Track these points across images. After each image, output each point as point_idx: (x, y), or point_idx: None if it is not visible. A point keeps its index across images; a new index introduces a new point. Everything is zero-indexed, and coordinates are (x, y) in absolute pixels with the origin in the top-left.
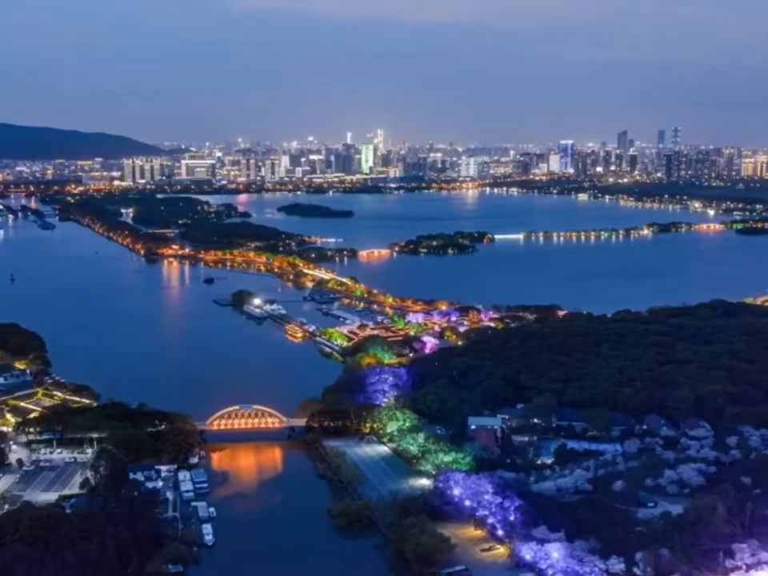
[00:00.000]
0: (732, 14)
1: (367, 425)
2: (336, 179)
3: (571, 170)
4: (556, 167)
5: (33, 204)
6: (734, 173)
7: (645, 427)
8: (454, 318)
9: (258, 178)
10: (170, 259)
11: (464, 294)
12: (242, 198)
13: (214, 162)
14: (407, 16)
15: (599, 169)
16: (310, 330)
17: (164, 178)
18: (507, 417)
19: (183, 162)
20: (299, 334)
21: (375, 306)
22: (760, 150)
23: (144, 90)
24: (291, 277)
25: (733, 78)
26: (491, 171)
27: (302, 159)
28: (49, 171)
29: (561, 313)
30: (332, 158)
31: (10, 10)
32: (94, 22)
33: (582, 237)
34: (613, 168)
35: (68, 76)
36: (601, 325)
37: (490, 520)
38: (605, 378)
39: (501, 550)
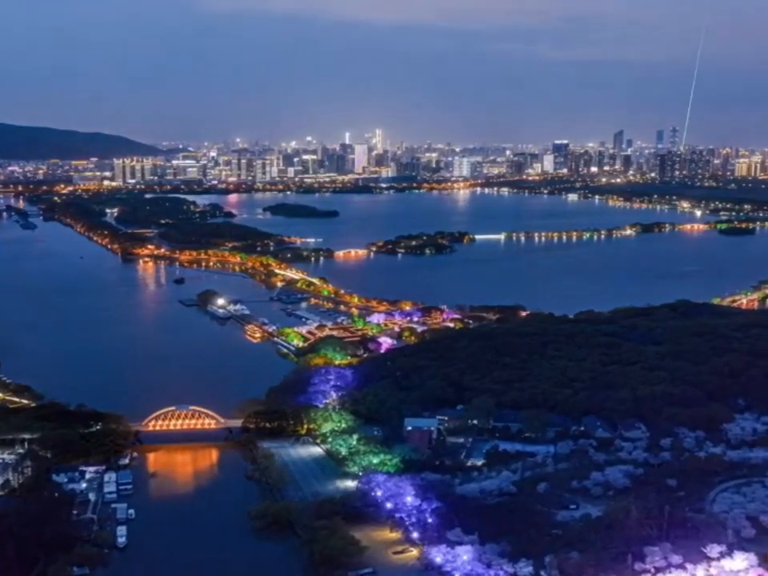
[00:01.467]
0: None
1: (304, 426)
2: (328, 179)
3: (565, 170)
4: (550, 167)
5: (21, 204)
6: (728, 173)
7: (582, 428)
8: (416, 319)
9: (250, 178)
10: (146, 259)
11: (433, 294)
12: (233, 197)
13: (205, 162)
14: (409, 16)
15: (593, 169)
16: (270, 330)
17: (155, 178)
18: (446, 418)
19: (174, 162)
20: (258, 335)
21: (342, 307)
22: (758, 150)
23: (144, 91)
24: (263, 277)
25: (734, 77)
26: (484, 171)
27: (295, 159)
28: (41, 171)
29: (524, 313)
30: (325, 158)
31: (8, 9)
32: (93, 21)
33: (564, 237)
34: (607, 168)
35: (65, 76)
36: (553, 325)
37: (407, 522)
38: (546, 379)
39: (413, 553)
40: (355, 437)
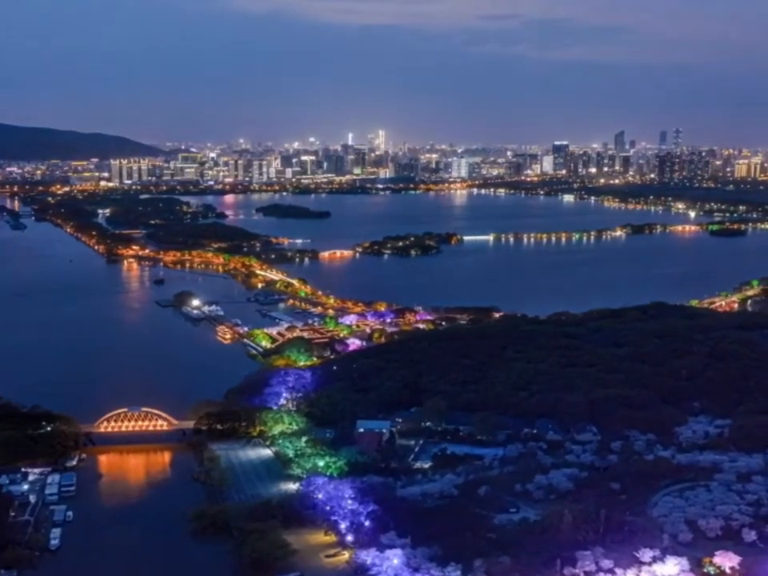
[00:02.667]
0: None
1: (256, 428)
2: (325, 180)
3: (564, 171)
4: (550, 168)
5: (16, 205)
6: (728, 174)
7: (534, 431)
8: (389, 320)
9: (247, 179)
10: (130, 260)
11: (412, 295)
12: (229, 198)
13: (205, 162)
14: (416, 18)
15: (593, 170)
16: (241, 331)
17: (153, 178)
18: (400, 420)
19: (172, 162)
20: (228, 336)
21: (319, 308)
22: (762, 151)
23: (147, 92)
24: (243, 278)
25: (740, 77)
26: (483, 172)
27: (294, 160)
28: (38, 172)
29: (497, 314)
30: (323, 158)
31: (10, 10)
32: (96, 22)
33: (553, 238)
34: (606, 169)
35: (68, 77)
36: (519, 327)
37: (342, 525)
38: (502, 381)
39: (345, 556)
40: (303, 439)
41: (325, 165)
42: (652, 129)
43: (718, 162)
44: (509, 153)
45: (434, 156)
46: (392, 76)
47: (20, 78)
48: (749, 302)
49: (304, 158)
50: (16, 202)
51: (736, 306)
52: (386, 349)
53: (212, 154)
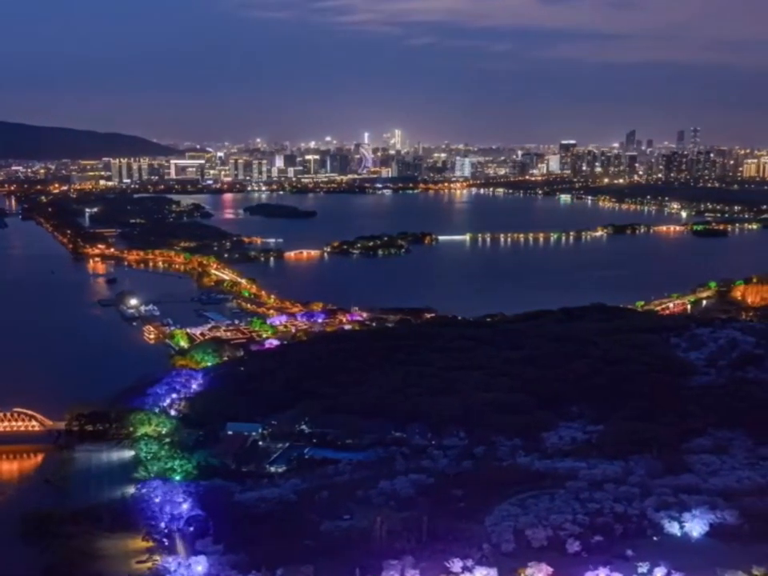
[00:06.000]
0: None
1: (128, 429)
2: (326, 179)
3: (569, 171)
4: (556, 167)
5: (13, 203)
6: (738, 174)
7: (401, 436)
8: (319, 321)
9: (248, 178)
10: (96, 259)
11: (356, 295)
12: (227, 197)
13: (203, 162)
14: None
15: (599, 169)
16: (166, 331)
17: (155, 177)
18: (276, 423)
19: (172, 161)
20: (153, 336)
21: (263, 308)
22: None
23: (168, 92)
24: (197, 277)
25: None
26: (490, 172)
27: (298, 159)
28: (42, 171)
29: (428, 315)
30: (327, 158)
31: (29, 13)
32: (115, 21)
33: (531, 238)
34: (613, 169)
35: (86, 76)
36: (423, 328)
37: (162, 531)
38: (384, 384)
39: (152, 563)
40: (158, 442)
41: (329, 164)
42: (671, 128)
43: (731, 162)
44: (520, 152)
45: (443, 155)
46: (411, 75)
47: (40, 78)
48: (704, 303)
49: (308, 157)
50: (13, 200)
51: (688, 308)
52: (280, 350)
53: (220, 154)
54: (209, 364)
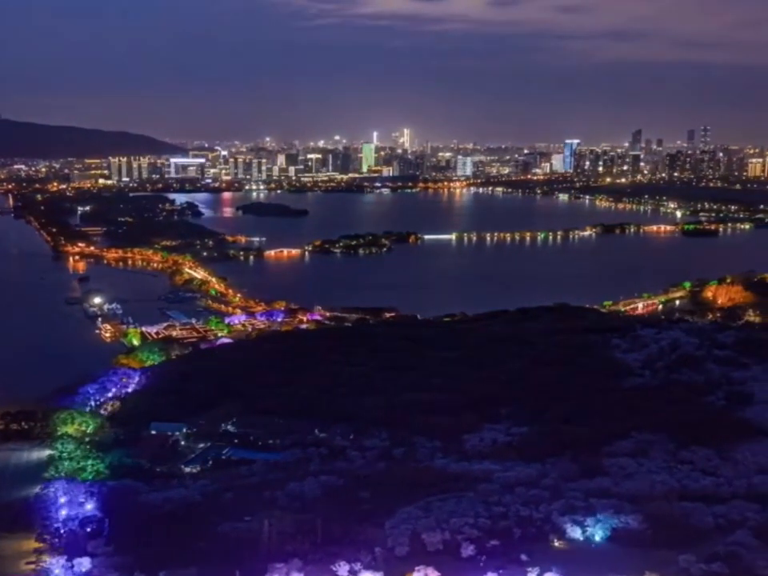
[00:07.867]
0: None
1: (54, 428)
2: (326, 178)
3: (571, 170)
4: (560, 167)
5: (11, 202)
6: (744, 173)
7: (323, 436)
8: (279, 320)
9: (247, 176)
10: (76, 257)
11: (324, 294)
12: (226, 195)
13: (203, 160)
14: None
15: (601, 168)
16: (123, 329)
17: (156, 176)
18: (204, 422)
19: (172, 160)
20: (109, 335)
21: (229, 308)
22: None
23: (177, 91)
24: (170, 276)
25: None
26: (491, 171)
27: (300, 158)
28: (44, 169)
29: (389, 315)
30: (329, 157)
31: (38, 13)
32: (123, 21)
33: (517, 238)
34: (616, 168)
35: (96, 75)
36: (370, 328)
37: (56, 532)
38: (313, 384)
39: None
40: (77, 441)
41: (330, 163)
42: (682, 127)
43: (737, 161)
44: (525, 151)
45: (448, 154)
46: (421, 75)
47: (48, 78)
48: (677, 303)
49: (309, 155)
50: (10, 199)
51: (659, 308)
52: (219, 350)
53: (224, 152)
54: (154, 363)
